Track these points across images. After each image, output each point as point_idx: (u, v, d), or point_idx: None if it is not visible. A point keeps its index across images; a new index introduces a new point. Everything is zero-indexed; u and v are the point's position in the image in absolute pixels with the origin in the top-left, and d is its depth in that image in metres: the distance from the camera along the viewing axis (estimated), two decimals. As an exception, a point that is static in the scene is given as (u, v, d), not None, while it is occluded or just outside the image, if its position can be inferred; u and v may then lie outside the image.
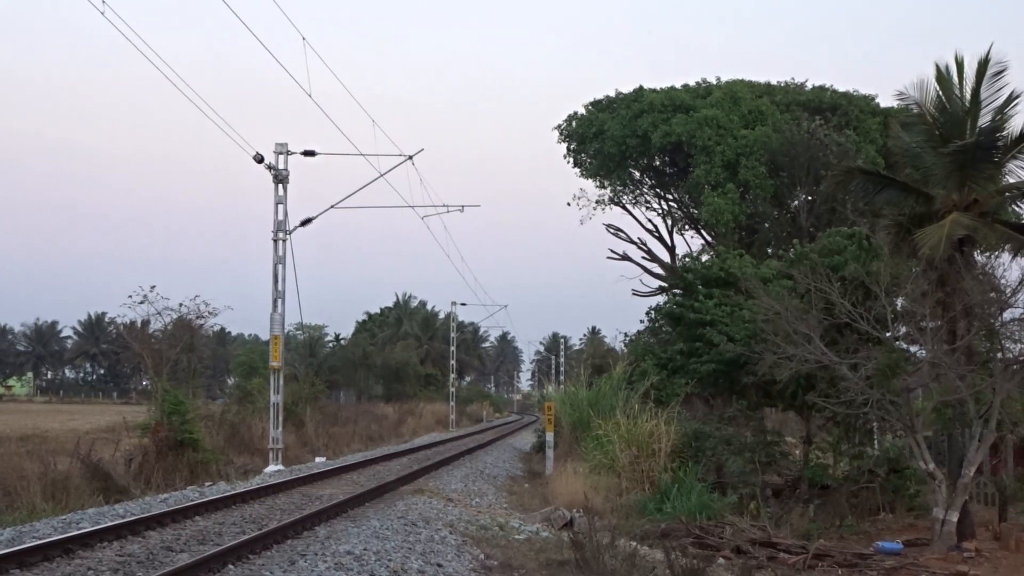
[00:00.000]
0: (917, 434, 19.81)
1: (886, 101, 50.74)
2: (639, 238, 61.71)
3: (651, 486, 24.29)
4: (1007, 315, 20.51)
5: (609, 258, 61.03)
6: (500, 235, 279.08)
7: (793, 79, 59.57)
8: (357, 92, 67.74)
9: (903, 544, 19.25)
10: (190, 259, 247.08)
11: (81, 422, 49.95)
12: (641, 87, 58.12)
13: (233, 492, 21.27)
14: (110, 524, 15.67)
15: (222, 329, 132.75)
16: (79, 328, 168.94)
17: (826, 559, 17.28)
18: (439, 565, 13.89)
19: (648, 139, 55.00)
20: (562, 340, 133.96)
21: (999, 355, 20.21)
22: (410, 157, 33.79)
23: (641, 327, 37.99)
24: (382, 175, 33.88)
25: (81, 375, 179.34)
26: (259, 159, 30.64)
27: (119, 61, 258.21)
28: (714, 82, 58.12)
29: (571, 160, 61.14)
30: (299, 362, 77.82)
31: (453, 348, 74.85)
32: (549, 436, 32.61)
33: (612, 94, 59.21)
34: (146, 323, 40.85)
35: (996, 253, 22.03)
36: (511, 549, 16.41)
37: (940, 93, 20.87)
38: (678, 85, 58.05)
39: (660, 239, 62.29)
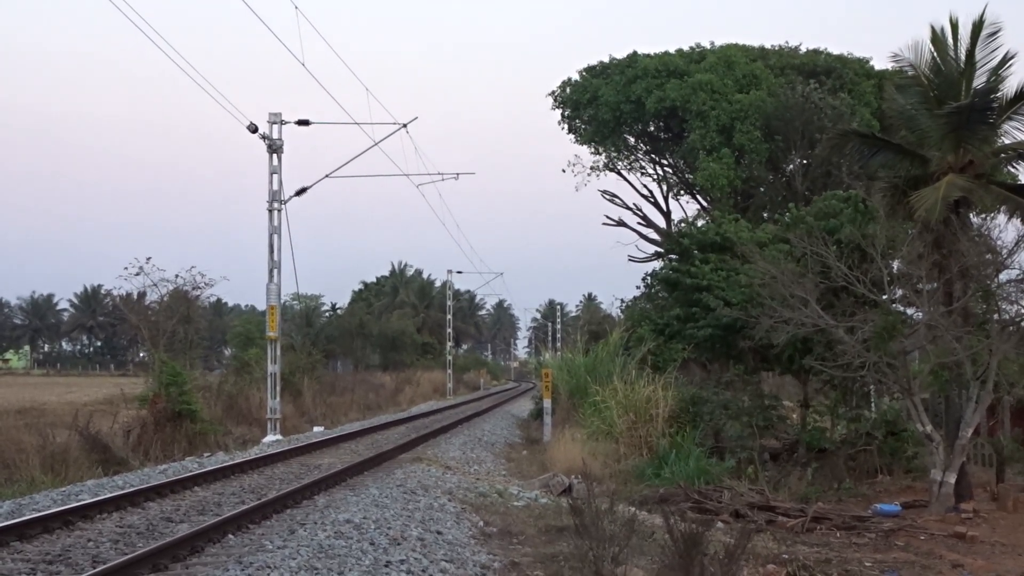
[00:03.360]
0: (914, 396, 19.84)
1: (881, 64, 50.41)
2: (634, 204, 61.61)
3: (649, 451, 24.36)
4: (1003, 276, 20.52)
5: (605, 224, 60.98)
6: (495, 203, 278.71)
7: (787, 43, 59.37)
8: (351, 60, 67.33)
9: (901, 506, 19.32)
10: (186, 230, 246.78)
11: (79, 394, 50.07)
12: (635, 52, 57.80)
13: (232, 462, 21.34)
14: (110, 495, 15.73)
15: (218, 300, 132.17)
16: (75, 301, 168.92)
17: (824, 522, 17.35)
18: (439, 532, 13.92)
19: (642, 104, 54.77)
20: (558, 307, 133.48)
21: (995, 316, 20.21)
22: (404, 125, 33.67)
23: (637, 293, 38.07)
24: (376, 143, 33.79)
25: (78, 347, 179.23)
26: (253, 129, 30.55)
27: (112, 31, 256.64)
28: (708, 47, 57.85)
29: (566, 127, 60.86)
30: (296, 332, 77.72)
31: (450, 316, 74.75)
32: (547, 403, 32.67)
33: (606, 60, 58.95)
34: (142, 295, 40.83)
35: (992, 215, 21.96)
36: (510, 516, 16.46)
37: (935, 55, 20.73)
38: (672, 50, 57.73)
39: (655, 204, 62.13)
